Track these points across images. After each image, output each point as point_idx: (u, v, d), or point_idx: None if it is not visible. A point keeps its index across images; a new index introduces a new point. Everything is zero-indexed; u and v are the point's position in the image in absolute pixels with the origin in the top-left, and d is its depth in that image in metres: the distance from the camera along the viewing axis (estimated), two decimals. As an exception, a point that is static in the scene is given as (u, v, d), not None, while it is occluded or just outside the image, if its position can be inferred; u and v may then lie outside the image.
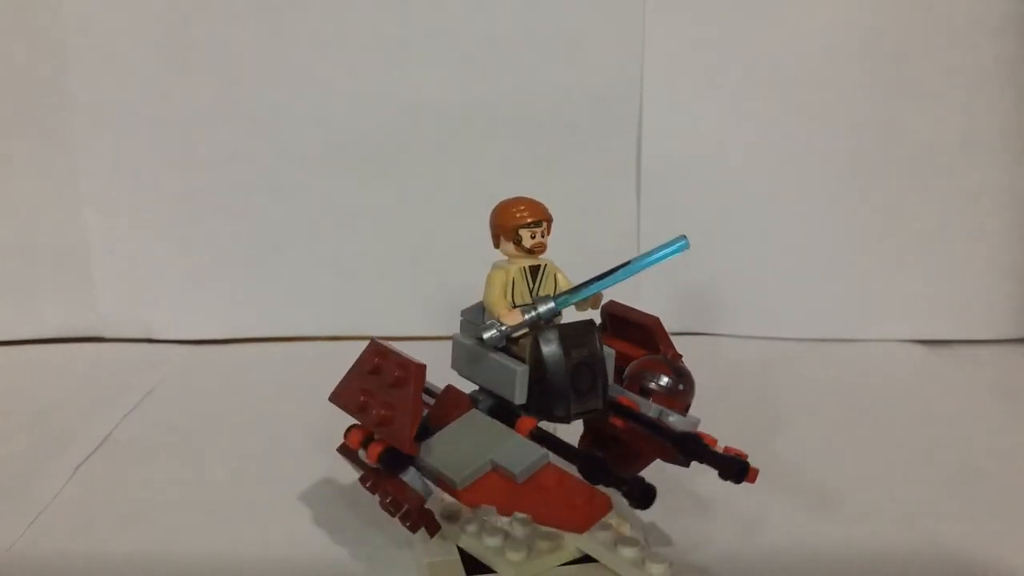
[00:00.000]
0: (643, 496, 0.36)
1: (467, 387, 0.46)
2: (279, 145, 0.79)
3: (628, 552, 0.40)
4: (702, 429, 0.44)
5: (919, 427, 0.63)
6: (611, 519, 0.43)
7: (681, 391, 0.43)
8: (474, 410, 0.42)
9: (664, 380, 0.43)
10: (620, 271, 0.41)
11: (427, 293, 0.81)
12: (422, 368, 0.40)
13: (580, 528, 0.37)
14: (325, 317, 0.81)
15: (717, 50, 0.78)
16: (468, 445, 0.41)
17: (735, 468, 0.38)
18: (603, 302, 0.46)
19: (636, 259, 0.41)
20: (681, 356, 0.45)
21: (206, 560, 0.45)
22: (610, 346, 0.46)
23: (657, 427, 0.42)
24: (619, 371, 0.46)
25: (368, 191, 0.80)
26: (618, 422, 0.43)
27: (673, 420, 0.42)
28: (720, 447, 0.42)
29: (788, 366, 0.76)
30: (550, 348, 0.41)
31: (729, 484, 0.49)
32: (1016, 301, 0.83)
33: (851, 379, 0.73)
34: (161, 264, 0.80)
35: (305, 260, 0.81)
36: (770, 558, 0.46)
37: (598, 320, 0.46)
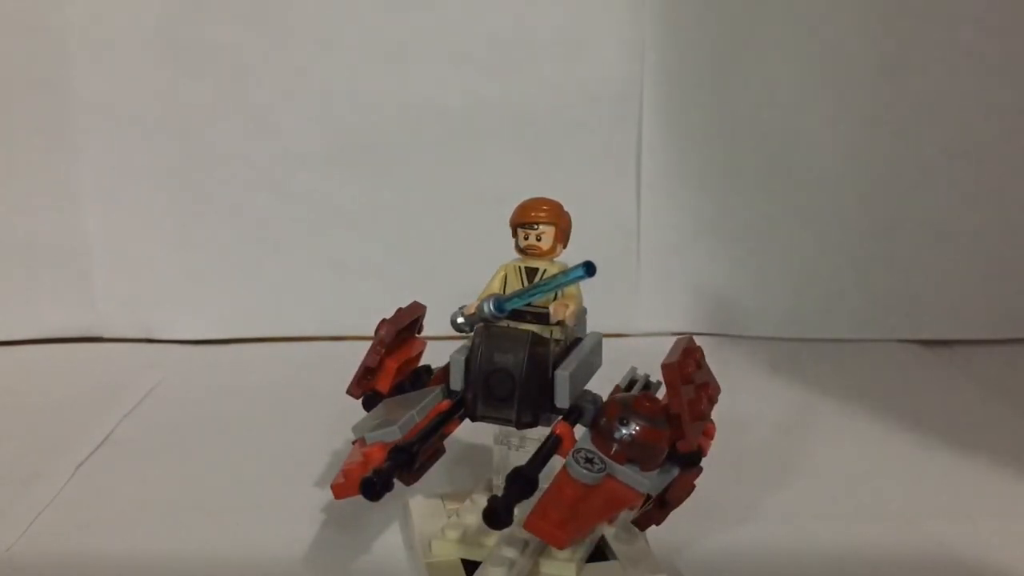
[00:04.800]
0: None
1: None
2: (279, 145, 0.79)
3: (493, 572, 0.40)
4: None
5: (919, 427, 0.63)
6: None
7: (623, 441, 0.37)
8: (440, 386, 0.43)
9: (606, 424, 0.38)
10: (532, 289, 0.41)
11: (427, 293, 0.80)
12: (385, 325, 0.44)
13: (334, 495, 0.39)
14: (325, 317, 0.81)
15: (717, 50, 0.78)
16: (390, 410, 0.42)
17: (485, 511, 0.36)
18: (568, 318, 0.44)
19: (550, 278, 0.40)
20: (658, 406, 0.39)
21: (206, 560, 0.45)
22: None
23: (538, 454, 0.39)
24: None
25: (368, 191, 0.80)
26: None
27: (568, 461, 0.37)
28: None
29: (789, 366, 0.76)
30: (473, 343, 0.41)
31: (730, 483, 0.49)
32: (1016, 301, 0.83)
33: (851, 379, 0.73)
34: (161, 264, 0.80)
35: (305, 260, 0.81)
36: (770, 558, 0.46)
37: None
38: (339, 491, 0.39)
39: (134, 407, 0.65)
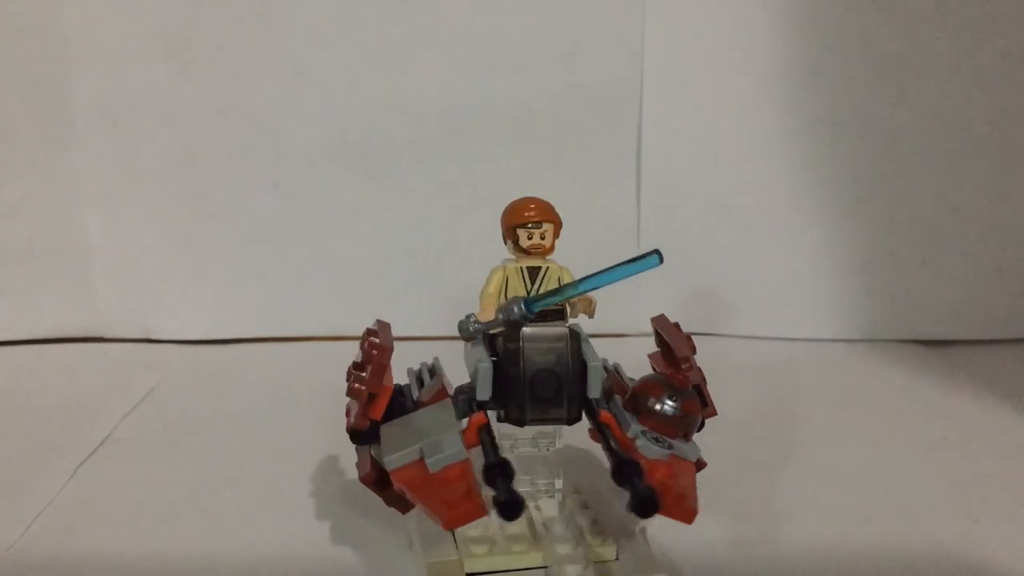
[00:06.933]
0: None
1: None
2: (279, 145, 0.79)
3: (571, 570, 0.40)
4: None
5: (919, 427, 0.63)
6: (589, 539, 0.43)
7: (672, 416, 0.39)
8: (446, 399, 0.42)
9: (654, 403, 0.40)
10: (585, 282, 0.40)
11: (427, 293, 0.81)
12: (384, 350, 0.42)
13: (443, 525, 0.37)
14: (325, 317, 0.81)
15: (717, 50, 0.78)
16: (414, 430, 0.41)
17: (637, 502, 0.35)
18: (592, 306, 0.44)
19: (604, 271, 0.40)
20: (686, 378, 0.42)
21: (206, 560, 0.45)
22: (654, 361, 0.46)
23: (609, 446, 0.39)
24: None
25: (368, 191, 0.80)
26: (595, 437, 0.41)
27: (640, 444, 0.38)
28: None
29: (788, 366, 0.76)
30: (507, 348, 0.40)
31: (730, 484, 0.50)
32: (1016, 301, 0.83)
33: (851, 379, 0.73)
34: (161, 264, 0.80)
35: (305, 260, 0.81)
36: (769, 558, 0.46)
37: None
38: (454, 520, 0.37)
39: (134, 407, 0.65)
